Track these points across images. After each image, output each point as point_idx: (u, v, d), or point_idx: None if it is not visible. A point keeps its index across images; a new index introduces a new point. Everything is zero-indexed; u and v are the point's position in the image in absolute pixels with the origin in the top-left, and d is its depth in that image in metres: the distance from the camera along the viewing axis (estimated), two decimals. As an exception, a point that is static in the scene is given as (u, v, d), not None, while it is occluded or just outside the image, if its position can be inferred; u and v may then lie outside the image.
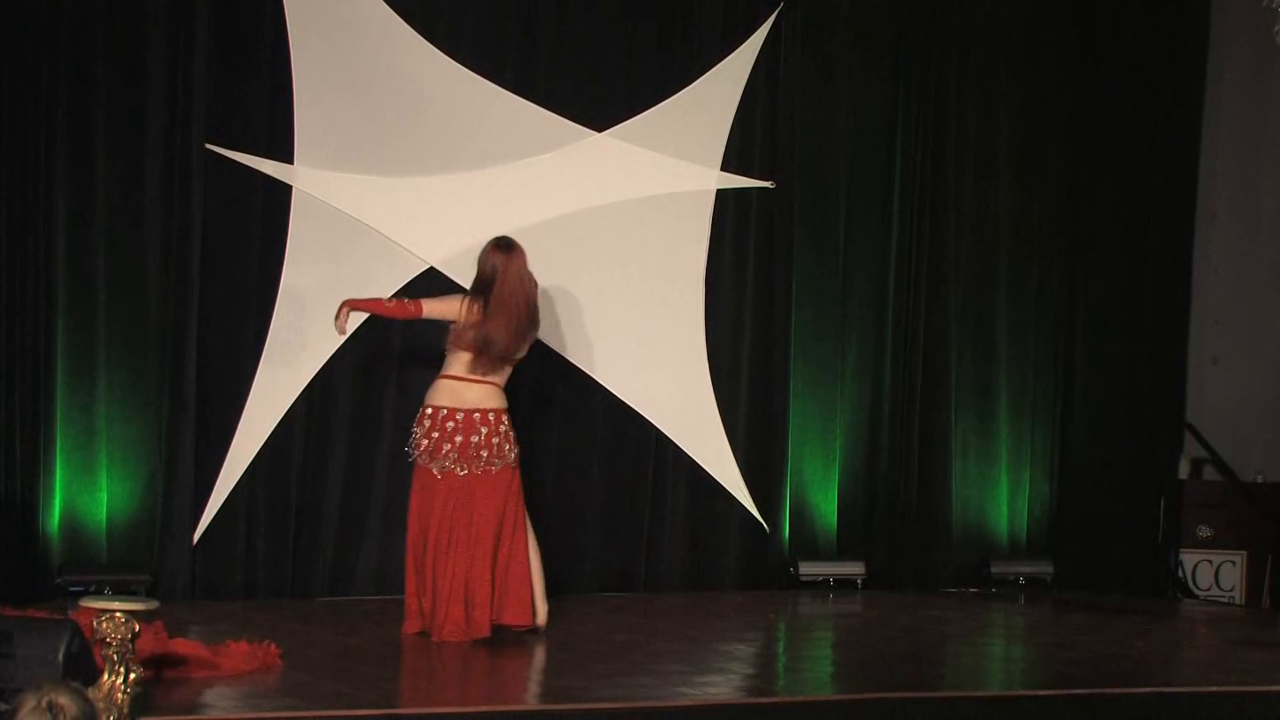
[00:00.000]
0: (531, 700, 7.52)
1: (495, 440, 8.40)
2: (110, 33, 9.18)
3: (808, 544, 10.59)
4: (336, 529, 9.60)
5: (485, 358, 8.39)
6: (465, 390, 8.42)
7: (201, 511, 9.29)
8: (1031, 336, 11.16)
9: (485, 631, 8.35)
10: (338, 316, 8.52)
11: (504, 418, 8.46)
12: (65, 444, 9.08)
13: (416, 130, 9.72)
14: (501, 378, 8.48)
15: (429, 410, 8.43)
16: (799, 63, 10.58)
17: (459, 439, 8.36)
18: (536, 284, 8.61)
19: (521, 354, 8.53)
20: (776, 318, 10.56)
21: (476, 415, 8.39)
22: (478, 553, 8.35)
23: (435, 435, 8.39)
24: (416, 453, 8.44)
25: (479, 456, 8.38)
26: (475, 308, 8.39)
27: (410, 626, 8.46)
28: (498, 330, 8.36)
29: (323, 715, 6.69)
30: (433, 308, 8.56)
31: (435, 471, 8.39)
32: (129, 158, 9.24)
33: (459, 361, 8.44)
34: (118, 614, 6.24)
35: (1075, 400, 11.25)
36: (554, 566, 9.85)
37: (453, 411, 8.39)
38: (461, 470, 8.37)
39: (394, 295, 9.53)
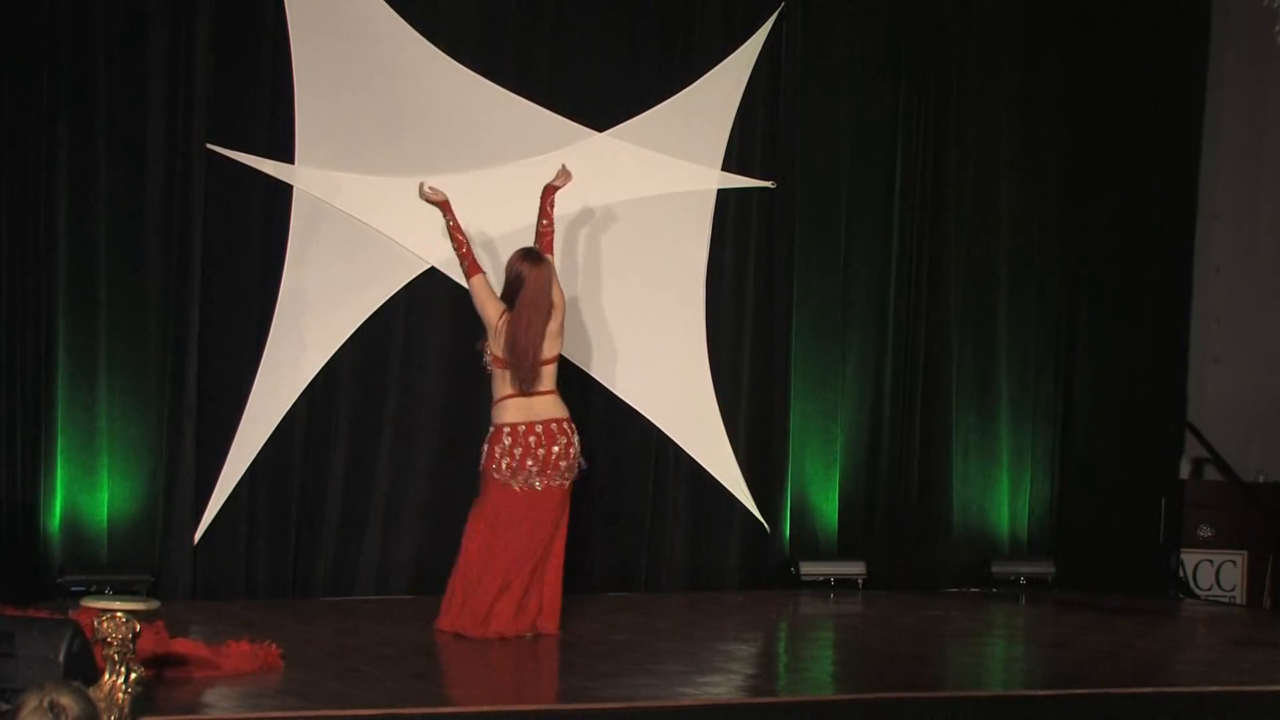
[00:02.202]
0: (532, 700, 7.52)
1: (572, 450, 8.54)
2: (111, 33, 9.19)
3: (808, 544, 10.59)
4: (337, 529, 9.60)
5: (519, 368, 8.45)
6: (533, 403, 8.52)
7: (202, 511, 9.30)
8: (1032, 336, 11.16)
9: (553, 629, 8.62)
10: (430, 192, 8.72)
11: (573, 427, 8.59)
12: (66, 444, 9.08)
13: (417, 130, 9.72)
14: (552, 384, 8.56)
15: (505, 428, 8.49)
16: (800, 63, 10.58)
17: (541, 452, 8.48)
18: (563, 294, 8.70)
19: (549, 355, 8.55)
20: (776, 318, 10.56)
21: (554, 425, 8.52)
22: (552, 563, 8.56)
23: (518, 451, 8.47)
24: (496, 470, 8.48)
25: (558, 468, 8.50)
26: (503, 326, 8.50)
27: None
28: (520, 331, 8.43)
29: (323, 715, 6.70)
30: (480, 289, 8.60)
31: (516, 487, 8.47)
32: (129, 158, 9.24)
33: (504, 380, 8.52)
34: (119, 614, 6.24)
35: (1076, 400, 11.26)
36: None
37: (531, 426, 8.48)
38: (539, 484, 8.48)
39: (399, 291, 9.61)
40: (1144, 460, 11.17)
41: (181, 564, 9.26)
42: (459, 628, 8.50)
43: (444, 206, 8.71)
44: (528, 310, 8.49)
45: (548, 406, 8.55)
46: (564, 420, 8.57)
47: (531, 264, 8.57)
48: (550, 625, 8.61)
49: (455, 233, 8.68)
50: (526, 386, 8.50)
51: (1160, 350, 11.23)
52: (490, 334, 8.56)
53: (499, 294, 8.62)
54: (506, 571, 8.47)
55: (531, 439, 8.49)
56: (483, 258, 8.94)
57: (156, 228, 9.29)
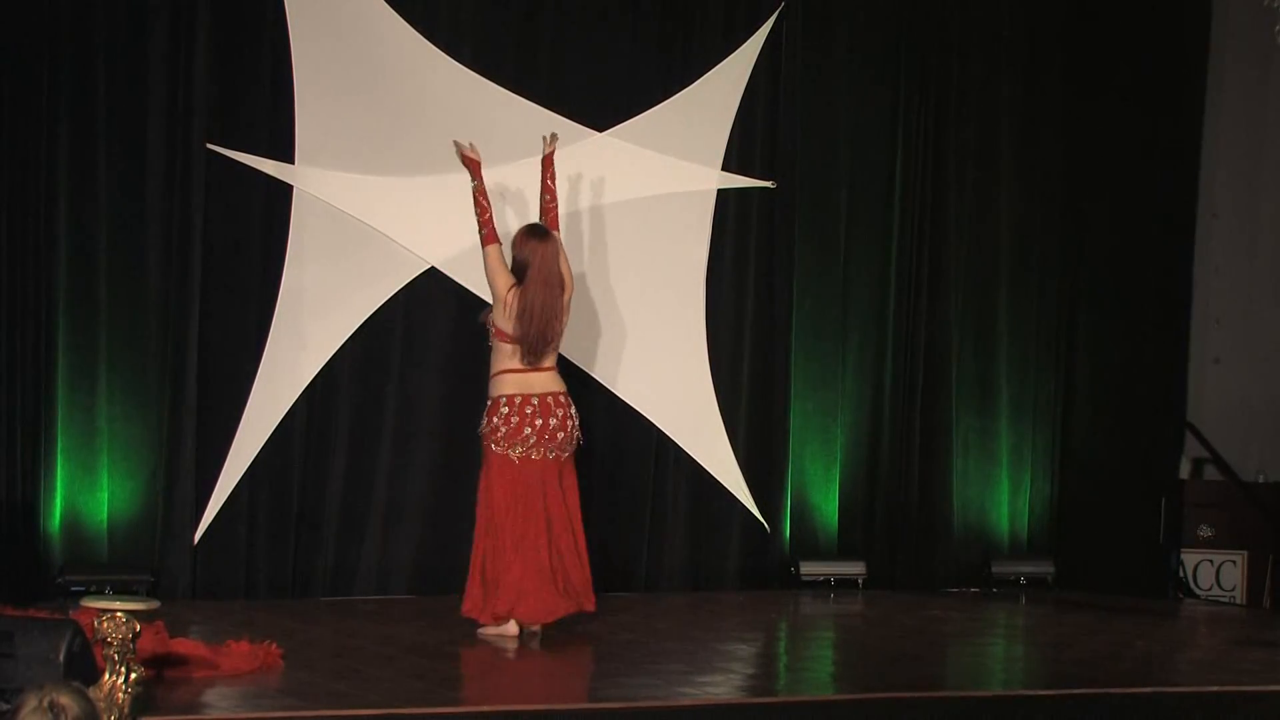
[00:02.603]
0: (532, 700, 7.52)
1: (570, 424, 8.55)
2: (111, 33, 9.19)
3: (808, 544, 10.59)
4: (337, 529, 9.60)
5: (525, 341, 8.45)
6: (530, 378, 8.52)
7: (202, 511, 9.30)
8: (1031, 336, 11.16)
9: (590, 606, 8.63)
10: (470, 150, 8.67)
11: (570, 400, 8.59)
12: (66, 444, 9.08)
13: (416, 130, 9.72)
14: (553, 361, 8.57)
15: (502, 399, 8.49)
16: (800, 63, 10.58)
17: (538, 423, 8.47)
18: (570, 269, 8.71)
19: (557, 331, 8.55)
20: (777, 318, 10.56)
21: (550, 399, 8.51)
22: (565, 537, 8.53)
23: (515, 420, 8.46)
24: (493, 440, 8.47)
25: (555, 440, 8.50)
26: (512, 300, 8.47)
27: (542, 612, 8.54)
28: (531, 307, 8.42)
29: (323, 715, 6.70)
30: (494, 258, 8.53)
31: (514, 457, 8.46)
32: (130, 158, 9.24)
33: (506, 354, 8.52)
34: (119, 614, 6.25)
35: (1076, 399, 11.25)
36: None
37: (527, 398, 8.48)
38: (536, 455, 8.47)
39: (399, 291, 9.63)
40: (1144, 460, 11.17)
41: (181, 564, 9.26)
42: (505, 614, 8.48)
43: (475, 168, 8.67)
44: (538, 286, 8.47)
45: (546, 381, 8.54)
46: (561, 394, 8.56)
47: (539, 240, 8.56)
48: (589, 603, 8.64)
49: (480, 196, 8.63)
50: (533, 360, 8.49)
51: (1160, 350, 11.22)
52: (497, 307, 8.53)
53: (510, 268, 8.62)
54: (518, 542, 8.44)
55: (529, 409, 8.48)
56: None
57: (156, 228, 9.29)
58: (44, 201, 9.07)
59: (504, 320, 8.51)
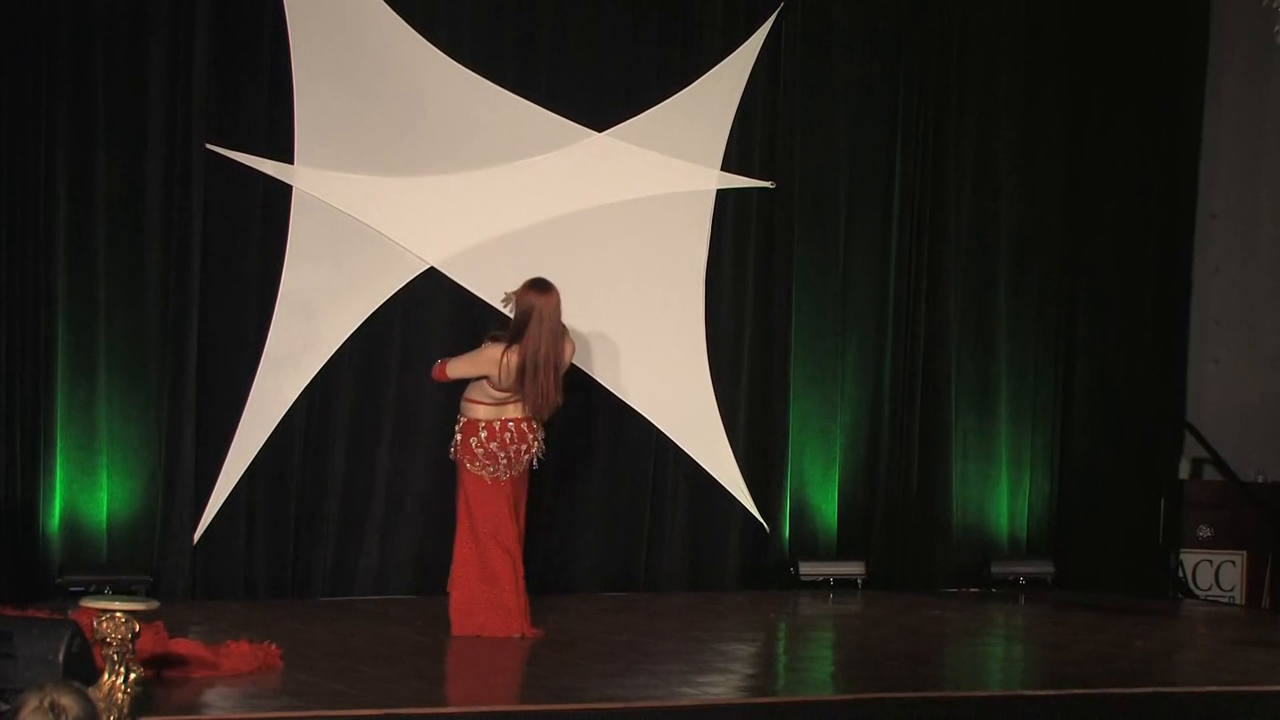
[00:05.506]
0: (532, 700, 7.52)
1: (537, 446, 8.59)
2: (111, 33, 9.19)
3: (808, 544, 10.59)
4: (336, 529, 9.60)
5: (533, 392, 8.44)
6: (501, 406, 8.52)
7: (202, 511, 9.30)
8: (1031, 336, 11.15)
9: (530, 630, 8.61)
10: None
11: (539, 425, 8.61)
12: (65, 444, 9.08)
13: (416, 130, 9.72)
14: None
15: (480, 423, 8.50)
16: (799, 63, 10.58)
17: (512, 448, 8.51)
18: (567, 331, 8.64)
19: (555, 384, 8.55)
20: (776, 318, 10.56)
21: (525, 424, 8.54)
22: (517, 556, 8.56)
23: (493, 445, 8.49)
24: (470, 462, 8.49)
25: (521, 462, 8.56)
26: (511, 358, 8.42)
27: (512, 628, 8.54)
28: (535, 358, 8.39)
29: (323, 715, 6.70)
30: (460, 367, 8.57)
31: (487, 478, 8.50)
32: (129, 158, 9.24)
33: (490, 393, 8.51)
34: (118, 614, 6.25)
35: (1075, 400, 11.25)
36: (555, 566, 9.89)
37: (505, 423, 8.50)
38: (505, 476, 8.53)
39: (398, 290, 9.65)
40: (1144, 460, 11.17)
41: (181, 564, 9.26)
42: (477, 629, 8.49)
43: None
44: (543, 337, 8.40)
45: (517, 407, 8.54)
46: (528, 420, 8.54)
47: (539, 292, 8.51)
48: (529, 626, 8.61)
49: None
50: (545, 415, 8.52)
51: (1160, 350, 11.22)
52: (498, 375, 8.45)
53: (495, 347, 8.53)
54: (493, 560, 8.46)
55: (506, 435, 8.49)
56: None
57: (156, 228, 9.29)
58: (43, 201, 9.07)
59: (509, 380, 8.45)
